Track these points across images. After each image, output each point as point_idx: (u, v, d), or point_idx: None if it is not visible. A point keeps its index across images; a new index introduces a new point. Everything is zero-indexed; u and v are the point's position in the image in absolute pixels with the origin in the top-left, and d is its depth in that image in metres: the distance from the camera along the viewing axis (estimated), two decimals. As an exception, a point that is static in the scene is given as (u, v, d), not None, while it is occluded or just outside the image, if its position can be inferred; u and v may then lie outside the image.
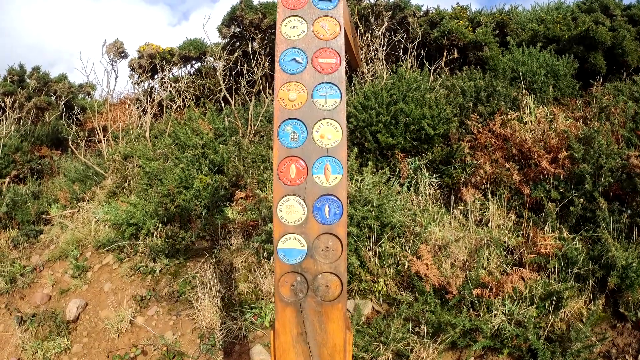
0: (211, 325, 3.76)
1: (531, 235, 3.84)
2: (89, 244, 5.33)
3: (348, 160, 4.19)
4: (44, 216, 6.25)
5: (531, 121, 5.17)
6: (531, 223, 3.92)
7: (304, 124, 2.05)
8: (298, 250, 2.01)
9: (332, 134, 2.05)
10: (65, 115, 9.31)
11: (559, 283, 3.39)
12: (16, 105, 8.95)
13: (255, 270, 3.98)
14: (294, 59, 2.10)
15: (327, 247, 2.01)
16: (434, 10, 8.09)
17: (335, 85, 2.08)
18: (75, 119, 9.20)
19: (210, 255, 4.43)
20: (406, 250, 3.79)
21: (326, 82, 2.09)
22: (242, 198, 4.66)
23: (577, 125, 4.88)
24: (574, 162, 4.15)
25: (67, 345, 4.11)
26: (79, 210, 6.06)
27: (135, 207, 4.87)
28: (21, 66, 10.24)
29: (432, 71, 6.31)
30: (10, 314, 4.57)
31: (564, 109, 5.56)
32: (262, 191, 4.34)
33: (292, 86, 2.08)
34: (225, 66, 6.77)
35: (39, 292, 4.81)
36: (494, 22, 8.03)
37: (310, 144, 2.04)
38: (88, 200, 6.19)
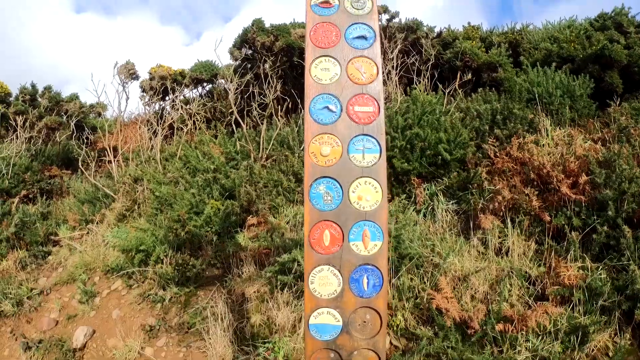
0: (223, 359, 3.63)
1: (553, 265, 3.72)
2: (98, 268, 5.24)
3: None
4: (52, 237, 6.18)
5: (549, 144, 5.07)
6: (553, 252, 3.80)
7: (339, 184, 1.84)
8: (332, 325, 1.81)
9: (371, 194, 1.83)
10: (75, 135, 9.31)
11: (584, 316, 3.26)
12: (27, 124, 8.97)
13: (268, 302, 3.86)
14: (327, 107, 1.88)
15: (365, 322, 1.83)
16: (446, 31, 8.04)
17: (374, 138, 1.86)
18: (85, 139, 9.20)
19: (221, 284, 4.32)
20: (425, 283, 3.67)
21: (363, 135, 1.86)
22: (254, 224, 4.56)
23: (597, 148, 4.77)
24: (595, 187, 4.03)
25: (73, 375, 4.00)
26: (88, 233, 6.00)
27: (144, 232, 4.79)
28: (33, 85, 10.29)
29: (446, 93, 6.23)
30: (16, 339, 4.48)
31: (582, 131, 5.46)
32: (274, 217, 4.23)
33: (325, 139, 1.86)
34: (236, 89, 6.71)
35: (45, 316, 4.71)
36: (506, 41, 7.95)
37: (347, 207, 1.83)
38: (97, 223, 6.12)
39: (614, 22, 7.35)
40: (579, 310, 3.29)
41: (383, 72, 6.86)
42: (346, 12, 1.97)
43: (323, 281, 1.83)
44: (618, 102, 5.99)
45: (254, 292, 4.08)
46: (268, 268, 3.84)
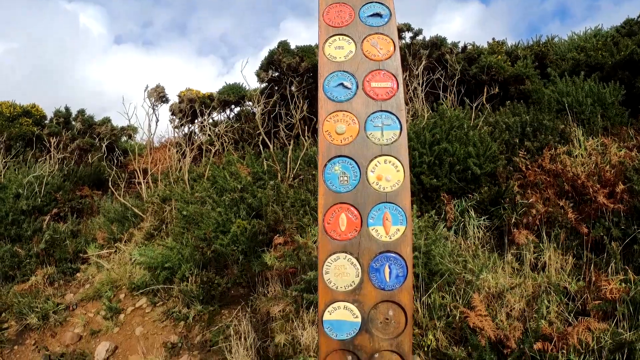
0: (245, 378, 3.53)
1: (593, 278, 3.54)
2: (124, 285, 5.26)
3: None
4: (81, 255, 6.27)
5: (582, 154, 4.93)
6: (592, 265, 3.64)
7: (356, 163, 1.70)
8: (350, 322, 1.60)
9: (391, 174, 1.69)
10: (107, 157, 9.53)
11: (629, 331, 3.04)
12: (61, 145, 9.24)
13: (293, 321, 3.75)
14: (342, 84, 1.78)
15: (387, 319, 1.60)
16: (471, 47, 7.97)
17: (393, 114, 1.74)
18: (116, 161, 9.39)
19: (246, 303, 4.25)
20: (457, 301, 3.51)
21: (382, 111, 1.75)
22: (280, 244, 4.49)
23: (632, 155, 4.60)
24: (633, 195, 3.92)
25: (94, 390, 3.97)
26: (115, 251, 6.06)
27: (171, 250, 4.79)
28: (67, 109, 10.65)
29: (473, 108, 6.12)
30: (39, 352, 4.50)
31: (615, 139, 5.30)
32: (301, 237, 4.16)
33: (340, 116, 1.74)
34: (263, 110, 6.77)
35: (69, 331, 4.73)
36: (532, 54, 7.84)
37: (365, 188, 1.68)
38: (125, 241, 6.18)
39: (641, 27, 7.18)
40: (624, 325, 3.08)
41: (409, 88, 6.81)
42: None
43: (339, 271, 1.63)
44: (651, 107, 5.80)
45: (279, 311, 3.99)
46: (294, 286, 3.76)
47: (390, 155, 1.72)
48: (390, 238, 1.65)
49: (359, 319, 1.62)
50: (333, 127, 1.75)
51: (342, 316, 1.62)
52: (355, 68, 1.81)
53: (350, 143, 1.73)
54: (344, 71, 1.81)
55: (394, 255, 1.64)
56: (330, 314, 1.63)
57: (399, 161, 1.72)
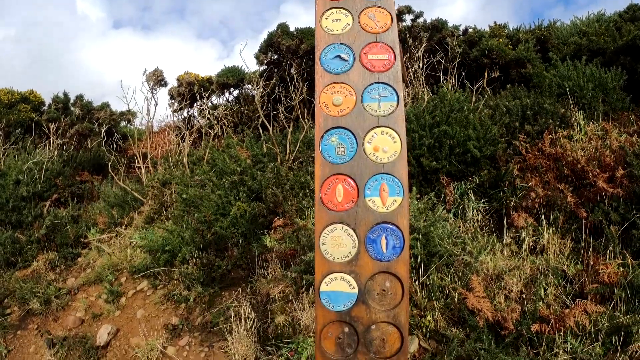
0: (245, 359, 3.57)
1: (591, 262, 3.57)
2: (125, 269, 5.29)
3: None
4: (82, 240, 6.29)
5: (582, 138, 4.93)
6: (590, 249, 3.67)
7: (353, 134, 1.70)
8: (346, 293, 1.60)
9: (388, 145, 1.67)
10: (106, 141, 9.52)
11: (626, 315, 3.08)
12: (60, 131, 9.21)
13: (293, 302, 3.79)
14: (339, 56, 1.78)
15: (384, 290, 1.60)
16: (472, 30, 7.90)
17: (390, 86, 1.73)
18: (116, 146, 9.37)
19: (246, 285, 4.28)
20: (456, 282, 3.53)
21: (379, 83, 1.74)
22: (280, 226, 4.51)
23: (632, 141, 4.60)
24: (632, 180, 3.93)
25: (96, 372, 4.01)
26: (116, 235, 6.08)
27: (171, 233, 4.80)
28: (65, 94, 10.60)
29: (474, 91, 6.09)
30: (42, 336, 4.54)
31: (616, 124, 5.29)
32: (301, 219, 4.17)
33: (337, 88, 1.74)
34: (263, 93, 6.74)
35: (72, 315, 4.77)
36: (534, 38, 7.78)
37: (362, 159, 1.67)
38: (126, 226, 6.20)
39: (644, 12, 7.13)
40: (621, 309, 3.12)
41: (409, 71, 6.77)
42: None
43: (336, 242, 1.63)
44: (653, 93, 5.78)
45: (279, 292, 4.02)
46: (293, 268, 3.78)
47: (387, 127, 1.72)
48: (387, 209, 1.66)
49: (356, 290, 1.63)
50: (330, 99, 1.75)
51: (338, 287, 1.62)
52: (352, 40, 1.82)
53: (347, 114, 1.74)
54: (341, 43, 1.82)
55: (390, 226, 1.64)
56: (327, 285, 1.63)
57: (396, 132, 1.70)
